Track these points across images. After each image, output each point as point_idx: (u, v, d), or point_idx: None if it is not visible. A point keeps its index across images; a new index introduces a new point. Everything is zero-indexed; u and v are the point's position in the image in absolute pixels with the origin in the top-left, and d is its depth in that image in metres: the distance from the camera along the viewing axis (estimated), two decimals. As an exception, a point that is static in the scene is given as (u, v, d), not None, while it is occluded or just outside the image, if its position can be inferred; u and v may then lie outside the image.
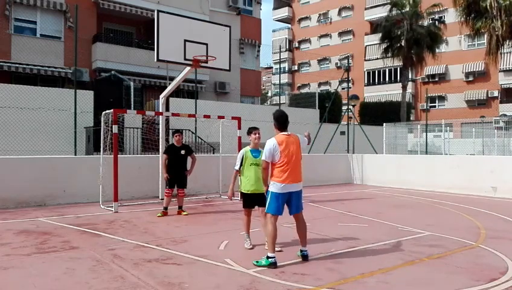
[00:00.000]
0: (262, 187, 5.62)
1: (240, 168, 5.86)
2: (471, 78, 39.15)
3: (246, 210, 5.97)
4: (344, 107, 19.86)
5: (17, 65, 17.24)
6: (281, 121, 5.18)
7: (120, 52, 19.88)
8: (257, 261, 4.93)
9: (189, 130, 14.74)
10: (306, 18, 50.94)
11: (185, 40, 9.44)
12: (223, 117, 11.35)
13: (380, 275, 4.62)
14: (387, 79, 43.19)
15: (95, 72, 19.81)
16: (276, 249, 5.72)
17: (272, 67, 55.00)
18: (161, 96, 11.05)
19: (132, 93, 17.48)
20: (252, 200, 5.85)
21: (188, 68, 9.93)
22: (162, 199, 9.53)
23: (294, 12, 52.10)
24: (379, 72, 43.50)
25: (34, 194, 9.67)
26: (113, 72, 18.71)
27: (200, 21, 10.49)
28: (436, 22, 30.20)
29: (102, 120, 9.75)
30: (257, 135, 5.88)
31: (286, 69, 51.77)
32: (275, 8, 53.02)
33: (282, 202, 5.07)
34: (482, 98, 38.37)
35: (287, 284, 4.26)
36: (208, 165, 11.78)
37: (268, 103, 39.97)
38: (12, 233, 6.69)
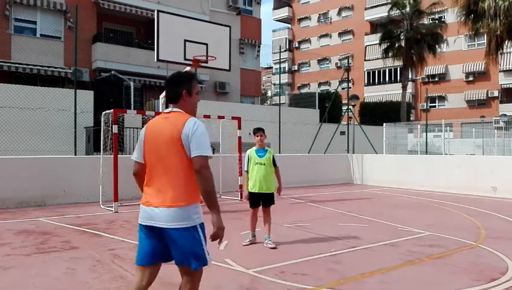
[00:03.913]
0: (269, 187, 5.84)
1: (247, 169, 6.00)
2: (471, 78, 39.17)
3: (251, 209, 6.05)
4: (344, 107, 19.87)
5: (17, 65, 17.24)
6: (167, 89, 2.90)
7: (120, 52, 19.89)
8: None
9: (189, 130, 14.73)
10: (306, 18, 50.95)
11: (185, 40, 9.44)
12: (223, 117, 11.35)
13: (380, 275, 4.62)
14: (387, 79, 43.20)
15: (95, 72, 19.81)
16: (270, 246, 5.75)
17: (272, 67, 54.99)
18: (161, 96, 11.04)
19: (132, 93, 17.49)
20: (257, 200, 5.94)
21: (188, 68, 9.93)
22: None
23: (294, 12, 52.11)
24: (379, 72, 43.51)
25: (34, 194, 9.67)
26: (113, 72, 18.71)
27: (200, 21, 10.50)
28: (437, 21, 30.17)
29: (102, 120, 9.75)
30: (259, 137, 6.00)
31: (286, 69, 51.78)
32: (275, 8, 53.04)
33: (143, 241, 2.74)
34: (482, 98, 38.38)
35: (287, 284, 4.26)
36: (207, 165, 11.75)
37: (269, 102, 39.98)
38: (12, 233, 6.68)
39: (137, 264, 2.76)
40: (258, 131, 6.02)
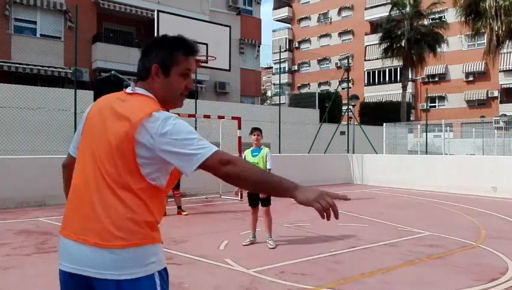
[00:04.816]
0: None
1: None
2: (471, 78, 39.15)
3: (251, 209, 6.10)
4: (344, 107, 19.87)
5: (17, 65, 17.24)
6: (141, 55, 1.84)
7: (120, 52, 19.88)
8: None
9: (189, 130, 14.74)
10: (306, 18, 50.93)
11: (185, 40, 9.45)
12: (223, 117, 11.36)
13: (380, 275, 4.62)
14: (387, 79, 43.20)
15: (95, 72, 19.81)
16: (270, 246, 5.76)
17: (272, 67, 54.99)
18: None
19: (132, 93, 17.50)
20: (255, 199, 5.97)
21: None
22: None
23: (294, 12, 52.10)
24: (379, 72, 43.49)
25: (34, 194, 9.66)
26: (113, 72, 18.67)
27: (200, 21, 10.52)
28: (437, 20, 30.16)
29: (102, 120, 9.74)
30: (255, 137, 6.03)
31: (286, 69, 51.77)
32: (275, 8, 53.02)
33: None
34: (482, 98, 38.36)
35: (287, 284, 4.26)
36: (208, 165, 11.76)
37: (269, 102, 39.99)
38: (12, 233, 6.68)
39: None
40: (255, 130, 6.07)
